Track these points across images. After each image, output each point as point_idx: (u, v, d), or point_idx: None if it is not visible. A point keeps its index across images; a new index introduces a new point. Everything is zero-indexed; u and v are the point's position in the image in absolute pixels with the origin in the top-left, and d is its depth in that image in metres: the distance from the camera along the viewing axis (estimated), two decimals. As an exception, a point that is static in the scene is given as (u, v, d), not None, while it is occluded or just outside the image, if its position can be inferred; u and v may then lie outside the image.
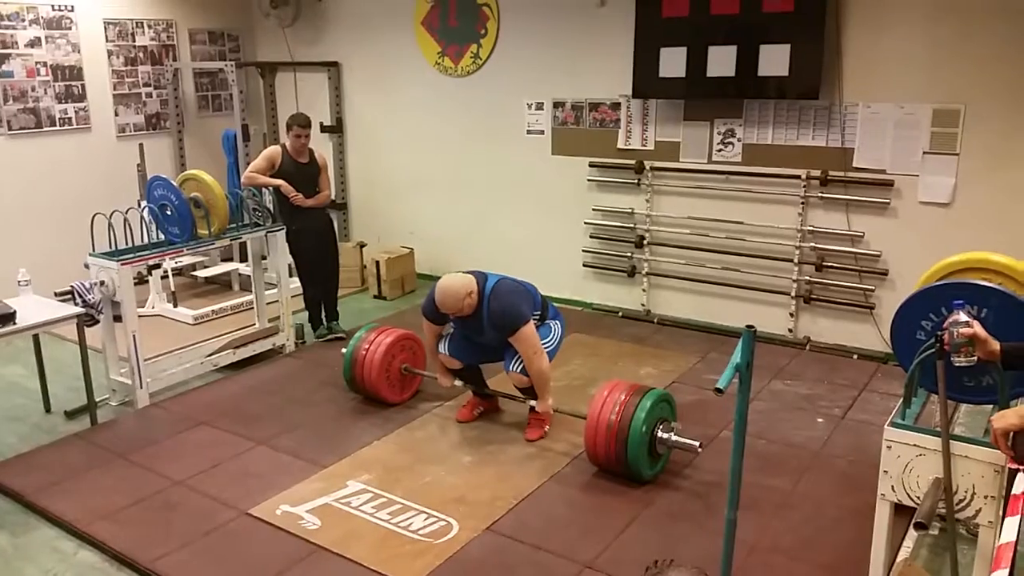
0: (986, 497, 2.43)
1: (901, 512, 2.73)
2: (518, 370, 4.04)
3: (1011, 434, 2.10)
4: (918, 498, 2.55)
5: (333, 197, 6.48)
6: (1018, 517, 1.93)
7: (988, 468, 2.41)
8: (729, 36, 5.24)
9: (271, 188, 5.44)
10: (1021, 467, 2.14)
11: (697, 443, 3.69)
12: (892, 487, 2.62)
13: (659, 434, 3.71)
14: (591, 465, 3.93)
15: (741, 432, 2.58)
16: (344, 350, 4.66)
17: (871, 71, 5.00)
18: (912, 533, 3.10)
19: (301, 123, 5.39)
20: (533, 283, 4.26)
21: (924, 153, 4.92)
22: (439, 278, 4.32)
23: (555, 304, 4.42)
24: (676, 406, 3.92)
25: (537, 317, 4.11)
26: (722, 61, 5.29)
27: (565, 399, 4.52)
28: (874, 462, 2.79)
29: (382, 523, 3.47)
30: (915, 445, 2.55)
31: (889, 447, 2.60)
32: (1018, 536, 1.91)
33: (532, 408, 4.24)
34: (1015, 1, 4.50)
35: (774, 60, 5.12)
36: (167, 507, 3.63)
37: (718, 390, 2.61)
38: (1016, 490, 2.07)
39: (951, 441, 2.47)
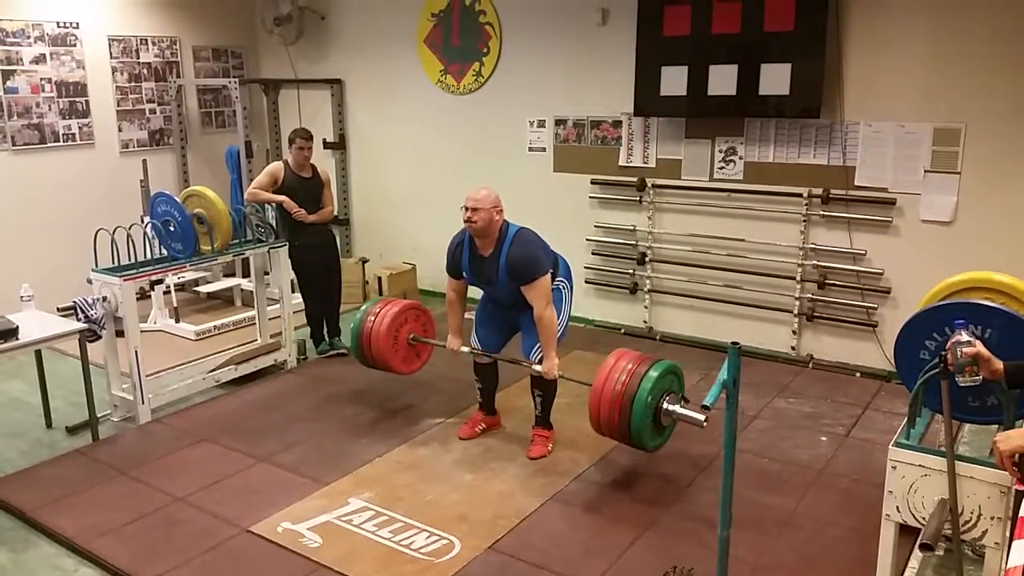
0: (992, 518, 2.42)
1: (906, 532, 2.72)
2: (536, 359, 4.05)
3: (1017, 455, 2.10)
4: (923, 519, 2.54)
5: (336, 213, 6.49)
6: (1025, 539, 1.91)
7: (994, 489, 2.40)
8: (730, 55, 5.28)
9: (274, 204, 5.46)
10: (1027, 488, 2.13)
11: (702, 417, 3.56)
12: (897, 507, 2.61)
13: (664, 405, 3.64)
14: (594, 484, 3.93)
15: (731, 448, 2.58)
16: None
17: (872, 90, 5.03)
18: (917, 554, 3.08)
19: (304, 136, 5.43)
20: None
21: (925, 171, 4.94)
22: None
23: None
24: (682, 374, 3.84)
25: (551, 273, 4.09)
26: (723, 80, 5.32)
27: (566, 416, 4.52)
28: (878, 481, 2.78)
29: (384, 541, 3.46)
30: (920, 465, 2.54)
31: (894, 467, 2.59)
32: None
33: (536, 423, 4.25)
34: (1014, 22, 4.53)
35: (775, 79, 5.14)
36: (168, 524, 3.62)
37: (705, 407, 2.62)
38: (1023, 512, 2.06)
39: (956, 461, 2.46)
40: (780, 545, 3.42)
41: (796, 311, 5.51)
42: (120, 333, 4.68)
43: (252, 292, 5.92)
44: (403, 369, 4.59)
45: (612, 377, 3.64)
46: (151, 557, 3.37)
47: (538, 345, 4.03)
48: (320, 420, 4.69)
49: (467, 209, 3.93)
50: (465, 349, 4.31)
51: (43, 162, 6.45)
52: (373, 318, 4.51)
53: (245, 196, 5.55)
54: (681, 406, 3.68)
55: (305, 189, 5.47)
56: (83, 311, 4.53)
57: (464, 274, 4.18)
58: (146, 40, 7.09)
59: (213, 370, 5.21)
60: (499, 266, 3.98)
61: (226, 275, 7.21)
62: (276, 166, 5.50)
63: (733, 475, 2.61)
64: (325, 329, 5.76)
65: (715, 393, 2.59)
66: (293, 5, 7.29)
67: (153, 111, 7.21)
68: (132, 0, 6.96)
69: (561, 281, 4.22)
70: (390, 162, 7.34)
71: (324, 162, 6.56)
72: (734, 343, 2.59)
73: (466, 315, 4.38)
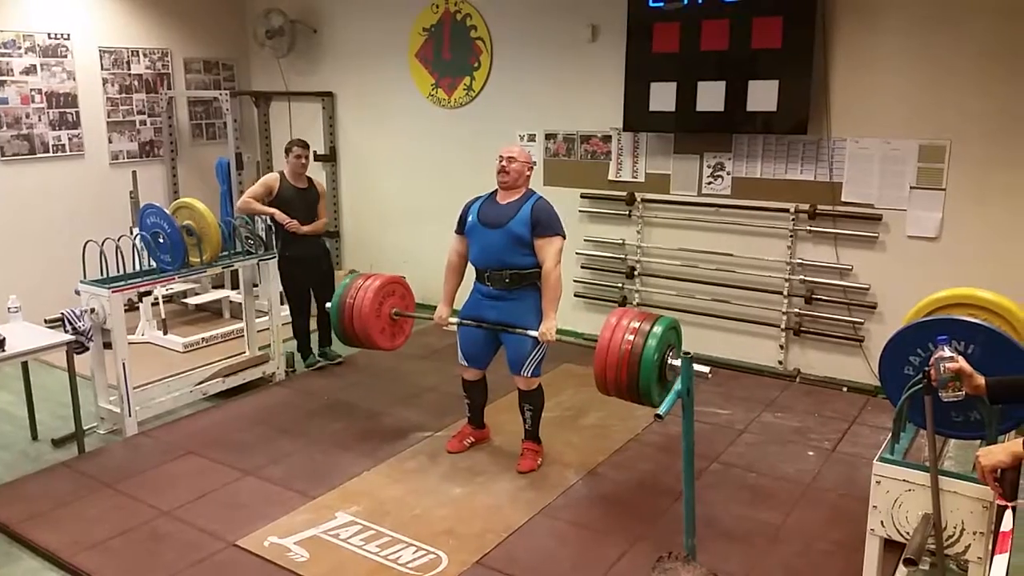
0: (975, 533, 2.44)
1: (891, 547, 2.73)
2: (528, 374, 4.05)
3: (998, 470, 2.12)
4: (907, 533, 2.56)
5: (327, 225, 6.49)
6: (1007, 555, 1.94)
7: (977, 504, 2.42)
8: (718, 71, 5.33)
9: (266, 216, 5.44)
10: (1009, 504, 2.15)
11: (707, 370, 3.44)
12: (881, 522, 2.62)
13: (669, 360, 3.59)
14: (582, 498, 3.93)
15: (690, 457, 2.60)
16: (328, 305, 4.49)
17: (858, 107, 5.09)
18: (902, 569, 3.09)
19: (300, 145, 5.45)
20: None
21: (911, 188, 4.99)
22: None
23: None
24: (681, 328, 3.80)
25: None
26: (711, 96, 5.37)
27: (556, 431, 4.52)
28: (864, 495, 2.80)
29: (371, 556, 3.44)
30: (904, 480, 2.56)
31: (878, 482, 2.61)
32: (1007, 573, 1.92)
33: (525, 437, 4.25)
34: (998, 42, 4.60)
35: (763, 96, 5.19)
36: (154, 538, 3.59)
37: (658, 416, 2.63)
38: (1004, 527, 2.08)
39: (940, 476, 2.48)
40: (768, 560, 3.43)
41: (783, 325, 5.54)
42: (108, 345, 4.67)
43: (240, 304, 5.91)
44: (386, 344, 4.46)
45: (616, 336, 3.60)
46: (137, 571, 3.35)
47: (527, 362, 4.03)
48: (308, 433, 4.67)
49: (502, 159, 4.01)
50: (453, 321, 4.22)
51: (32, 173, 6.43)
52: (355, 293, 4.38)
53: (237, 205, 5.54)
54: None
55: (302, 199, 5.48)
56: (71, 323, 4.50)
57: (469, 219, 4.13)
58: (137, 52, 7.10)
59: (201, 383, 5.19)
60: (519, 211, 3.98)
61: (214, 287, 7.19)
62: (272, 177, 5.51)
63: (694, 484, 2.63)
64: (316, 339, 5.75)
65: (670, 402, 2.60)
66: (285, 18, 7.32)
67: (143, 123, 7.21)
68: (123, 12, 6.97)
69: None
70: (381, 175, 7.35)
71: (315, 174, 6.55)
72: (686, 353, 2.60)
73: (451, 327, 4.32)
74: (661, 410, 2.54)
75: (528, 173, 4.09)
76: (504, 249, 4.01)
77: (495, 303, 4.08)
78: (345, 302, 4.38)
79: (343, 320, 4.39)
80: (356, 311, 4.33)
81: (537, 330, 3.97)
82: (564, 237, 4.03)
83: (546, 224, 3.97)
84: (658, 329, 3.57)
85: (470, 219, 4.13)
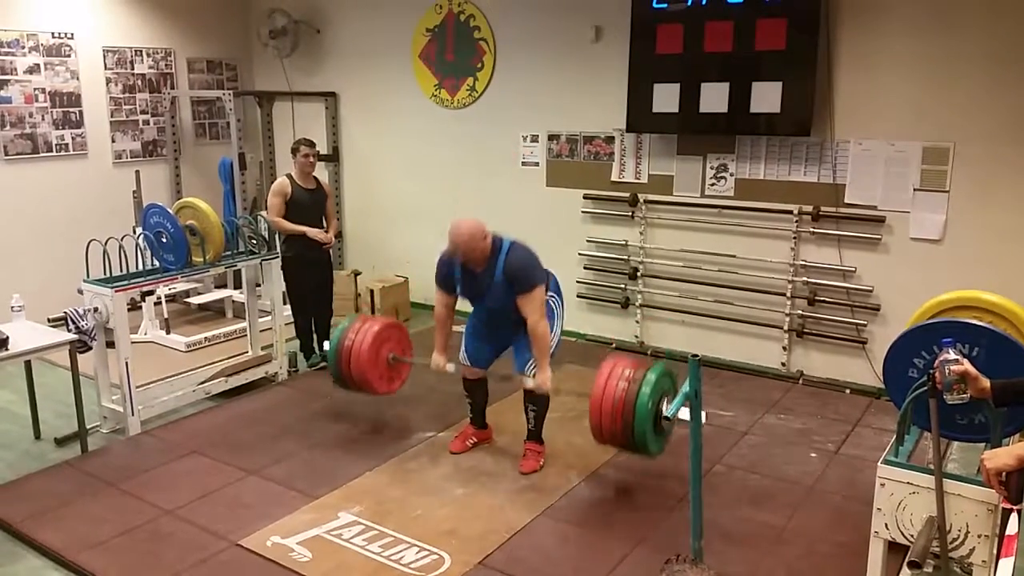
0: (980, 536, 2.43)
1: (895, 549, 2.73)
2: (530, 374, 4.05)
3: (1003, 473, 2.11)
4: (911, 536, 2.55)
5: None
6: (1012, 559, 1.93)
7: (981, 507, 2.41)
8: (722, 73, 5.32)
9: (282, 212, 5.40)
10: (1014, 507, 2.15)
11: (703, 415, 3.49)
12: (885, 525, 2.62)
13: (664, 411, 3.59)
14: (584, 499, 3.92)
15: (697, 459, 2.60)
16: (327, 344, 4.50)
17: (862, 109, 5.08)
18: (906, 571, 3.08)
19: (308, 144, 5.44)
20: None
21: (915, 190, 4.98)
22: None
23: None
24: (676, 377, 3.80)
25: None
26: (715, 97, 5.37)
27: (558, 432, 4.52)
28: (868, 498, 2.79)
29: (373, 556, 3.44)
30: (908, 483, 2.56)
31: (882, 484, 2.61)
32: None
33: (528, 437, 4.25)
34: (1002, 45, 4.59)
35: (766, 97, 5.19)
36: (156, 537, 3.59)
37: (666, 418, 2.63)
38: (1010, 530, 2.07)
39: (944, 479, 2.48)
40: (771, 562, 3.42)
41: (786, 327, 5.53)
42: (111, 344, 4.67)
43: (243, 304, 5.91)
44: (382, 389, 4.52)
45: (611, 385, 3.63)
46: (139, 571, 3.34)
47: (532, 360, 4.03)
48: (310, 433, 4.67)
49: (457, 252, 3.94)
50: (451, 367, 4.23)
51: (35, 172, 6.44)
52: (354, 336, 4.43)
53: (270, 226, 5.48)
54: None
55: (313, 200, 5.48)
56: (74, 322, 4.51)
57: (457, 288, 4.16)
58: (141, 51, 7.11)
59: (203, 382, 5.19)
60: (494, 279, 3.95)
61: (217, 287, 7.20)
62: (282, 183, 5.43)
63: (701, 484, 2.62)
64: (315, 341, 5.76)
65: (678, 404, 2.60)
66: (288, 18, 7.32)
67: (147, 122, 7.22)
68: (127, 11, 6.98)
69: (552, 296, 4.22)
70: (384, 175, 7.36)
71: (318, 174, 6.56)
72: (694, 355, 2.62)
73: (455, 328, 4.35)
74: (668, 412, 2.54)
75: (484, 244, 3.92)
76: (504, 306, 4.00)
77: (500, 331, 4.16)
78: (343, 345, 4.43)
79: (340, 364, 4.46)
80: (355, 356, 4.39)
81: (532, 379, 4.00)
82: (542, 283, 3.99)
83: (522, 280, 3.91)
84: (652, 376, 3.60)
85: (458, 288, 4.14)
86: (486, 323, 4.23)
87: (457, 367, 4.27)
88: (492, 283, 3.97)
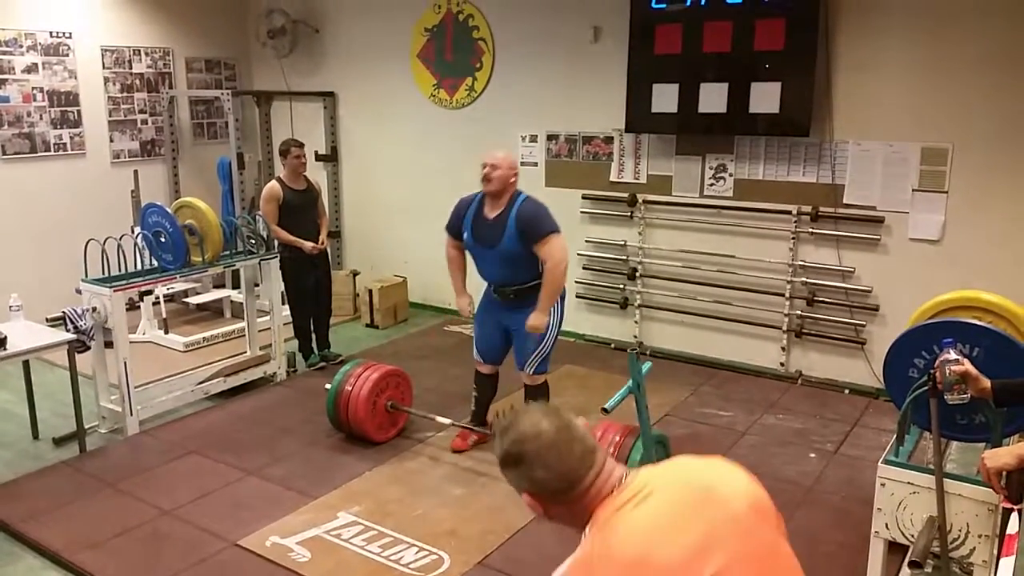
0: (980, 536, 2.44)
1: (895, 549, 2.73)
2: (531, 371, 4.06)
3: (1004, 473, 2.12)
4: (912, 536, 2.56)
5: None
6: (1013, 558, 1.93)
7: (982, 507, 2.42)
8: (721, 73, 5.32)
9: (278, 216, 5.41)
10: (1015, 507, 2.15)
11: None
12: (886, 525, 2.62)
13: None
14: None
15: (650, 450, 2.62)
16: (328, 386, 4.54)
17: (861, 110, 5.08)
18: (906, 571, 3.09)
19: (297, 144, 5.44)
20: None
21: (913, 191, 4.99)
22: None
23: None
24: (670, 444, 3.84)
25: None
26: (714, 98, 5.37)
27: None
28: (867, 498, 2.80)
29: (373, 556, 3.44)
30: (909, 483, 2.56)
31: (883, 484, 2.61)
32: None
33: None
34: (1000, 47, 4.60)
35: (765, 98, 5.19)
36: (155, 537, 3.59)
37: (604, 410, 2.65)
38: (1010, 530, 2.07)
39: (944, 479, 2.48)
40: (769, 561, 3.42)
41: (785, 327, 5.54)
42: (109, 344, 4.66)
43: (242, 304, 5.90)
44: (377, 438, 4.47)
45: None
46: (138, 571, 3.34)
47: (531, 358, 4.04)
48: (309, 433, 4.67)
49: (485, 166, 3.97)
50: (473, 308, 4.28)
51: (33, 171, 6.43)
52: (353, 382, 4.42)
53: (271, 233, 5.46)
54: None
55: (304, 200, 5.48)
56: (72, 322, 4.50)
57: (465, 234, 4.14)
58: (139, 51, 7.09)
59: (202, 382, 5.18)
60: (506, 227, 3.94)
61: (216, 286, 7.18)
62: (273, 188, 5.41)
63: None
64: (313, 342, 5.75)
65: (619, 398, 2.63)
66: (287, 18, 7.31)
67: (145, 122, 7.21)
68: (125, 11, 6.97)
69: None
70: (382, 175, 7.35)
71: (316, 174, 6.56)
72: (632, 349, 2.69)
73: (465, 329, 4.36)
74: (608, 405, 2.59)
75: (513, 180, 4.01)
76: (502, 268, 4.04)
77: (508, 312, 4.15)
78: (343, 389, 4.43)
79: (338, 409, 4.45)
80: (352, 404, 4.39)
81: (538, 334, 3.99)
82: (558, 231, 3.98)
83: (534, 228, 3.91)
84: (636, 456, 3.48)
85: (465, 235, 4.14)
86: (491, 307, 4.20)
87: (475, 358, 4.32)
88: (503, 231, 3.96)
